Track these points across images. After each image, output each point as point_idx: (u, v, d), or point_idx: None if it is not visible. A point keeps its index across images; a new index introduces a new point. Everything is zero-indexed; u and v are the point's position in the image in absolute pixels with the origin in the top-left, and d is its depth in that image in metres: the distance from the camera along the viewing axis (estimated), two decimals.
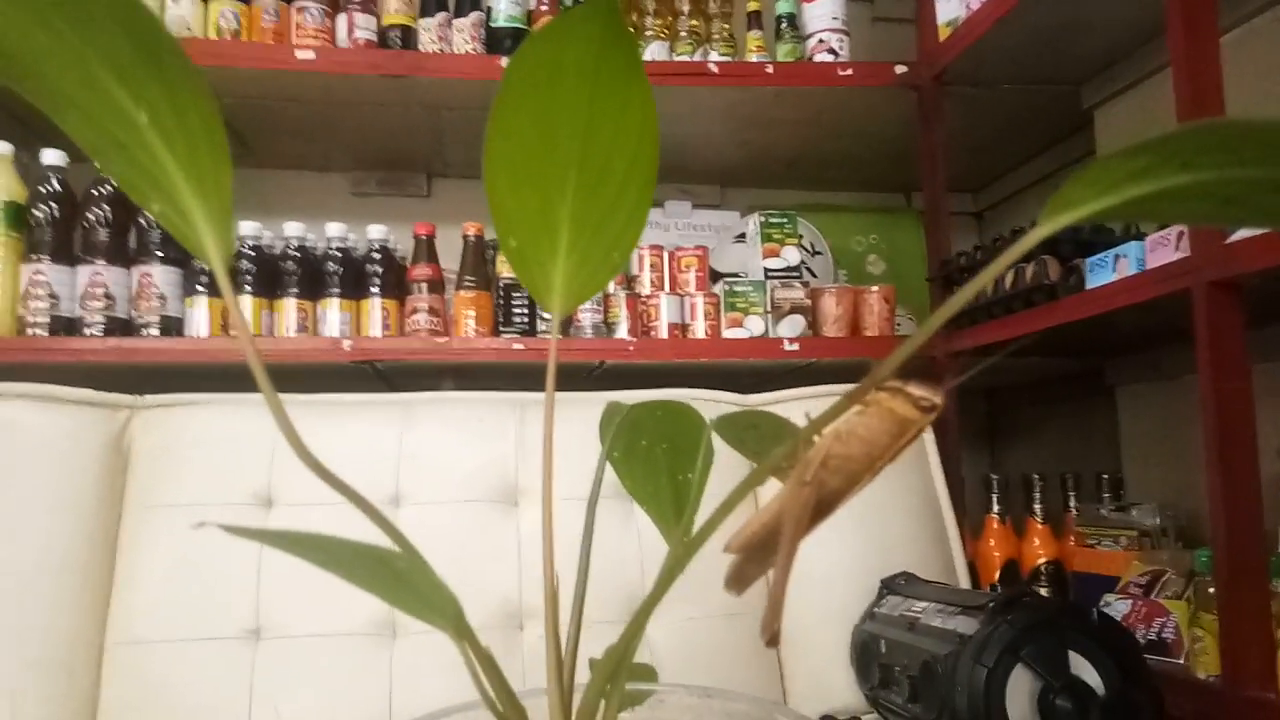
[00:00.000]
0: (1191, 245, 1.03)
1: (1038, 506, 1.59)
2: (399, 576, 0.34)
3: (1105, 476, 1.59)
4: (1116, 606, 1.22)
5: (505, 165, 0.34)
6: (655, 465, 0.42)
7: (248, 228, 1.55)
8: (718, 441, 0.46)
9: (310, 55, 1.50)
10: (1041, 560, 1.54)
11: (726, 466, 0.50)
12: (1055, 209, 0.26)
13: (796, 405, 1.27)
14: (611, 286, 1.64)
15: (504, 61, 1.55)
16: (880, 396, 0.32)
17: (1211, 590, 1.03)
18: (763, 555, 0.34)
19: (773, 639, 0.30)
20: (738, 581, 0.35)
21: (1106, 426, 1.70)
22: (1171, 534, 1.39)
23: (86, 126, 0.32)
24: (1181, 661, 1.10)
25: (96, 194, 1.45)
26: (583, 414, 0.94)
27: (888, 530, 1.18)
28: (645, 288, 1.65)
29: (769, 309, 1.62)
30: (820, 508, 0.33)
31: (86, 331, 1.42)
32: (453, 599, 0.33)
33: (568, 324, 1.60)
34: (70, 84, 0.30)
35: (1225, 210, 0.26)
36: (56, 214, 1.43)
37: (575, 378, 1.63)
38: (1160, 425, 1.56)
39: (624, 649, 0.36)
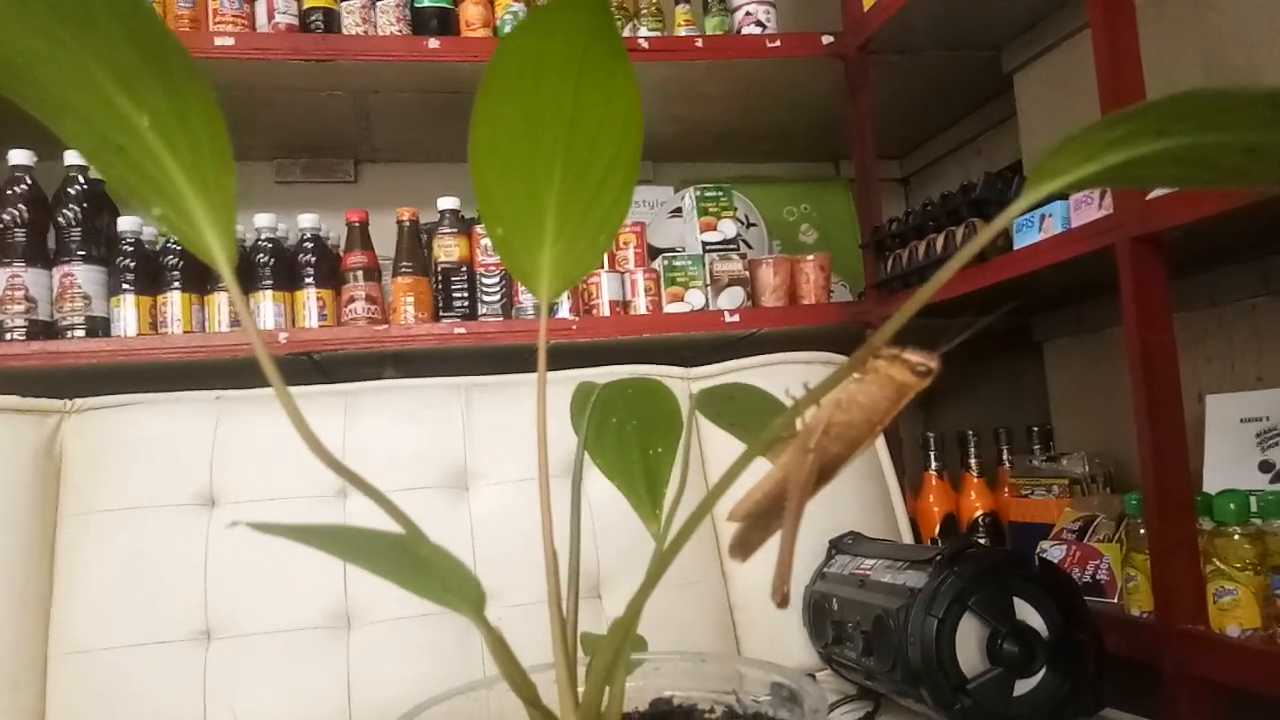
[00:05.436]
0: (1114, 203, 1.07)
1: (973, 461, 1.64)
2: (421, 563, 0.34)
3: (1035, 429, 1.65)
4: (1052, 552, 1.27)
5: (491, 154, 0.34)
6: (626, 442, 0.43)
7: None
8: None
9: (229, 41, 1.45)
10: (979, 512, 1.59)
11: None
12: (1039, 178, 0.27)
13: (740, 376, 1.28)
14: None
15: (431, 43, 1.53)
16: (879, 364, 0.33)
17: (1142, 531, 1.08)
18: (765, 522, 0.35)
19: (783, 600, 0.31)
20: (742, 548, 0.36)
21: (1035, 381, 1.75)
22: (1100, 480, 1.45)
23: (85, 132, 0.31)
24: (1115, 600, 1.15)
25: (11, 194, 1.39)
26: (529, 395, 0.94)
27: (833, 492, 1.20)
28: None
29: (708, 282, 1.63)
30: (823, 473, 0.34)
31: (7, 336, 1.37)
32: (475, 583, 0.33)
33: (509, 306, 1.59)
34: (68, 90, 0.30)
35: (1195, 172, 0.27)
36: None
37: (517, 359, 1.62)
38: (1085, 377, 1.62)
39: (630, 620, 0.36)
